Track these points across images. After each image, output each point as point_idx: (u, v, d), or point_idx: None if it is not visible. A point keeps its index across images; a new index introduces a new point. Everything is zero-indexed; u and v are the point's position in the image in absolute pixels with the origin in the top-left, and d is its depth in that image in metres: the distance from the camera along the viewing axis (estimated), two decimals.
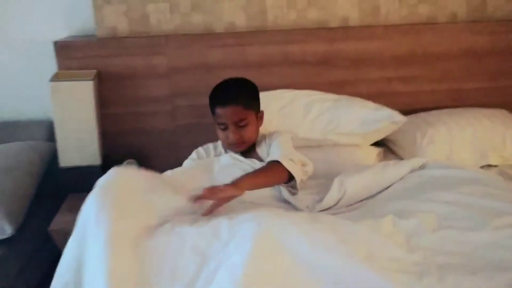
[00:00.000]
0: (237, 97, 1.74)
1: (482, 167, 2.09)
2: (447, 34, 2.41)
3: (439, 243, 1.34)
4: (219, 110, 1.73)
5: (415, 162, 1.77)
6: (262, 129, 1.90)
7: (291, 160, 1.63)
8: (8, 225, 1.95)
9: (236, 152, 1.80)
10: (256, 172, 1.60)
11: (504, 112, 2.35)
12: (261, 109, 1.86)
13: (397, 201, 1.52)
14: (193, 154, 1.93)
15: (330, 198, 1.66)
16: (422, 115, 2.32)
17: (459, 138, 2.14)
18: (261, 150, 1.80)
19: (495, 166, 2.13)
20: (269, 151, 1.76)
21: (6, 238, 1.97)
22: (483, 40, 2.42)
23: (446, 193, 1.46)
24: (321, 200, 1.66)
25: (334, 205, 1.68)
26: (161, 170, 1.84)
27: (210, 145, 1.95)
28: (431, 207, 1.42)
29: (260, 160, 1.77)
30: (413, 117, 2.30)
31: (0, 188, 2.02)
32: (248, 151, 1.82)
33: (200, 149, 1.95)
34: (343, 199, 1.68)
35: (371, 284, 1.12)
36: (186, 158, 2.06)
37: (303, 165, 1.70)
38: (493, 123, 2.22)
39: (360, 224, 1.33)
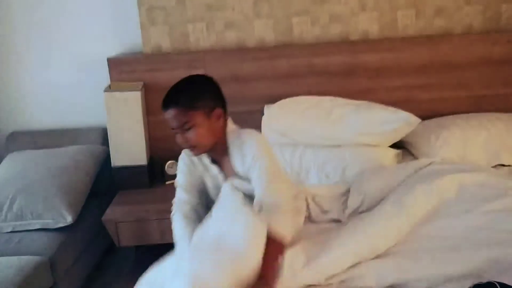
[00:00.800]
0: (176, 99, 1.57)
1: (494, 166, 2.22)
2: (463, 44, 2.57)
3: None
4: (164, 115, 1.61)
5: (422, 161, 1.93)
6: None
7: (280, 219, 1.45)
8: (68, 215, 2.28)
9: (196, 156, 1.68)
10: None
11: None
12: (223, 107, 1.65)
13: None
14: (180, 163, 1.77)
15: (352, 202, 1.78)
16: (438, 119, 2.48)
17: (472, 140, 2.27)
18: (235, 160, 1.61)
19: (508, 166, 2.25)
20: (246, 169, 1.58)
21: (66, 226, 2.29)
22: (498, 50, 2.56)
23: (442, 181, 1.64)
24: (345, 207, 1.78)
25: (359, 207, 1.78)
26: None
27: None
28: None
29: (236, 173, 1.62)
30: (430, 121, 2.47)
31: (62, 183, 2.37)
32: (220, 155, 1.66)
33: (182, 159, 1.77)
34: (365, 201, 1.78)
35: None
36: None
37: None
38: (507, 125, 2.34)
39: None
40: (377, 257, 1.49)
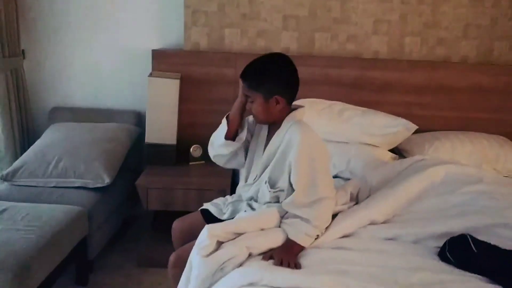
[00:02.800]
0: (246, 75, 1.81)
1: None
2: (459, 72, 2.98)
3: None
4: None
5: (416, 157, 2.30)
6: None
7: (308, 233, 1.67)
8: (106, 177, 2.61)
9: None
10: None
11: (502, 137, 2.86)
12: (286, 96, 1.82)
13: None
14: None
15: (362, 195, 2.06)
16: (432, 132, 2.86)
17: (459, 150, 2.64)
18: (275, 140, 1.82)
19: None
20: (287, 155, 1.76)
21: (102, 187, 2.62)
22: (488, 80, 2.97)
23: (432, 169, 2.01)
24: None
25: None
26: None
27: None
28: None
29: (273, 145, 1.83)
30: (425, 133, 2.85)
31: (101, 150, 2.72)
32: (274, 129, 1.86)
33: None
34: (371, 192, 2.08)
35: None
36: None
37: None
38: (491, 143, 2.73)
39: None
40: (372, 223, 1.84)
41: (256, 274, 1.43)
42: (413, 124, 2.64)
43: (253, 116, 1.89)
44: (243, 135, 1.94)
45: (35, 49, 3.12)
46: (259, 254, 1.63)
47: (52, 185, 2.60)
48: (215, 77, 2.97)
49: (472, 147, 2.68)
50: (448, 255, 1.61)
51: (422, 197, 1.91)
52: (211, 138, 2.01)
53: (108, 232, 2.73)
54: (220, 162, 2.02)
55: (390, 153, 2.67)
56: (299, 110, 1.87)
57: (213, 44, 3.00)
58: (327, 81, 2.96)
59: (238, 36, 3.00)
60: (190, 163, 2.93)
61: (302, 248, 1.67)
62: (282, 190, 1.78)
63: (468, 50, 3.02)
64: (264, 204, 1.83)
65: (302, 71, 2.92)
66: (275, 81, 1.80)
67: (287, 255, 1.60)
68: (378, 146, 2.66)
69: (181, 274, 1.71)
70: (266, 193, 1.82)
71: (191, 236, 1.83)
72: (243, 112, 1.92)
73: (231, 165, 2.03)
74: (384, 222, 1.83)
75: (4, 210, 2.26)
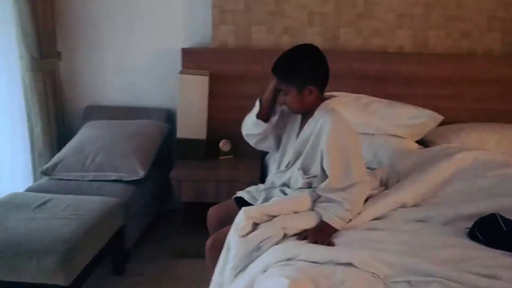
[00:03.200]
0: (278, 70, 1.89)
1: None
2: (484, 64, 3.00)
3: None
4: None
5: (443, 145, 2.34)
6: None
7: (341, 216, 1.73)
8: (141, 170, 2.72)
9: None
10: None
11: None
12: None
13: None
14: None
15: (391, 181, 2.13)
16: (458, 124, 2.88)
17: (486, 141, 2.66)
18: (308, 127, 1.90)
19: None
20: (319, 141, 1.82)
21: (136, 180, 2.73)
22: None
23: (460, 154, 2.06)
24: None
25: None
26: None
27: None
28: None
29: (306, 132, 1.90)
30: (451, 125, 2.87)
31: (135, 145, 2.82)
32: (307, 117, 1.94)
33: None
34: (400, 178, 2.16)
35: None
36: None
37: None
38: None
39: None
40: (403, 206, 1.90)
41: (293, 250, 1.50)
42: (438, 115, 2.67)
43: (288, 107, 1.97)
44: (274, 119, 2.04)
45: (70, 50, 3.25)
46: (294, 235, 1.70)
47: (89, 179, 2.72)
48: (243, 74, 3.06)
49: (498, 137, 2.70)
50: (477, 234, 1.65)
51: (451, 181, 1.96)
52: (245, 118, 2.12)
53: (143, 224, 2.84)
54: (251, 141, 2.13)
55: (416, 144, 2.71)
56: (332, 99, 1.94)
57: (240, 42, 3.09)
58: (353, 75, 3.01)
59: (264, 33, 3.08)
60: (220, 158, 3.02)
61: (335, 230, 1.73)
62: (315, 176, 1.85)
63: (492, 43, 3.04)
64: (297, 190, 1.90)
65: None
66: (306, 72, 1.86)
67: (321, 235, 1.67)
68: (404, 138, 2.70)
69: (218, 256, 1.78)
70: (299, 179, 1.89)
71: (227, 221, 1.91)
72: (276, 96, 2.01)
73: (261, 147, 2.14)
74: (414, 206, 1.88)
75: (48, 201, 2.39)
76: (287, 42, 3.07)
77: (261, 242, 1.64)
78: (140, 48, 3.24)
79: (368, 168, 2.50)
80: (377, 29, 3.04)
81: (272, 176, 2.07)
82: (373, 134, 2.67)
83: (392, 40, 3.05)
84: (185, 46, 3.16)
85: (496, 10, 2.99)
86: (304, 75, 1.86)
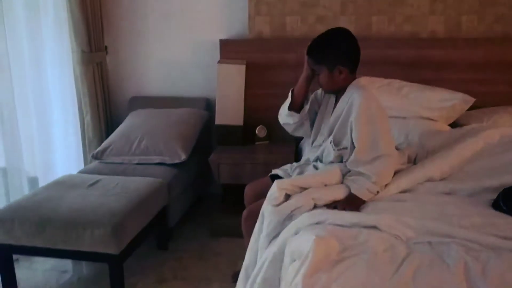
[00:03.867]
0: (311, 51, 2.02)
1: None
2: None
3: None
4: None
5: (473, 125, 2.39)
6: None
7: (369, 188, 1.83)
8: (183, 154, 2.90)
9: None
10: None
11: None
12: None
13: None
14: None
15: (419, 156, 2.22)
16: (491, 108, 2.90)
17: None
18: (340, 105, 2.01)
19: None
20: (346, 119, 1.94)
21: (178, 163, 2.91)
22: None
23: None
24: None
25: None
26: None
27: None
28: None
29: (338, 109, 2.01)
30: (483, 109, 2.89)
31: (177, 131, 3.01)
32: (337, 97, 2.08)
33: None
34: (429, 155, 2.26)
35: None
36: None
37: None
38: None
39: None
40: (429, 180, 1.97)
41: (322, 215, 1.62)
42: (470, 97, 2.71)
43: (320, 87, 2.09)
44: (307, 107, 2.16)
45: (116, 44, 3.48)
46: (323, 206, 1.82)
47: (135, 162, 2.92)
48: (278, 63, 3.19)
49: None
50: (501, 204, 1.72)
51: (477, 157, 2.02)
52: (280, 108, 2.22)
53: (185, 204, 3.03)
54: (288, 129, 2.25)
55: (448, 126, 2.75)
56: (363, 77, 2.06)
57: (275, 32, 3.22)
58: (385, 61, 3.08)
59: (299, 22, 3.20)
60: (256, 143, 3.16)
61: (363, 202, 1.84)
62: (346, 148, 1.96)
63: None
64: (328, 164, 2.02)
65: (362, 53, 3.11)
66: (336, 53, 1.98)
67: (349, 206, 1.78)
68: (436, 121, 2.75)
69: (253, 226, 1.93)
70: (331, 152, 2.01)
71: (262, 197, 2.04)
72: (308, 86, 2.13)
73: (298, 133, 2.26)
74: (441, 180, 1.96)
75: (98, 181, 2.60)
76: (320, 31, 3.10)
77: (292, 211, 1.76)
78: (180, 41, 3.43)
79: (399, 149, 2.61)
80: (409, 16, 3.10)
81: (307, 153, 2.19)
82: (404, 118, 2.73)
83: (424, 26, 3.10)
84: (223, 37, 3.31)
85: None
86: (334, 55, 1.97)
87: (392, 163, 1.91)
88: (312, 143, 2.16)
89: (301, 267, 1.35)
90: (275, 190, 1.83)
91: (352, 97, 1.95)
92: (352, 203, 1.81)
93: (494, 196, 1.79)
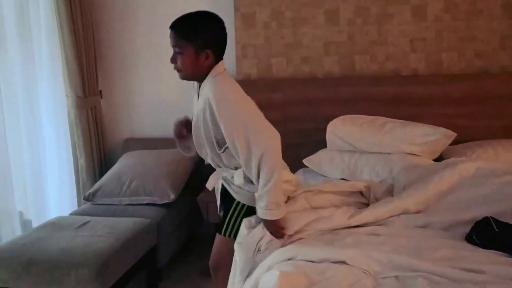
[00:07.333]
0: (178, 25, 1.79)
1: None
2: (499, 82, 3.07)
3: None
4: None
5: (452, 159, 2.43)
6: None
7: (267, 206, 1.74)
8: (172, 193, 2.95)
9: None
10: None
11: None
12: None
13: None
14: None
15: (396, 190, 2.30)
16: (475, 142, 2.93)
17: (503, 157, 2.68)
18: (203, 93, 1.84)
19: None
20: (204, 109, 1.79)
21: (168, 203, 2.96)
22: None
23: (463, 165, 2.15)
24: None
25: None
26: None
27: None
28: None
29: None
30: (467, 143, 2.93)
31: (167, 171, 3.07)
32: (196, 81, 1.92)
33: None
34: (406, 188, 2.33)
35: None
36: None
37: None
38: None
39: None
40: (405, 212, 2.00)
41: (292, 251, 1.65)
42: (452, 132, 2.76)
43: (178, 70, 1.85)
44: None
45: (110, 88, 3.61)
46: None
47: (126, 203, 2.98)
48: (265, 102, 3.22)
49: None
50: (474, 237, 1.74)
51: (453, 190, 2.05)
52: None
53: (175, 244, 3.05)
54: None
55: (432, 161, 2.79)
56: (220, 64, 1.86)
57: (262, 73, 3.33)
58: (369, 98, 3.16)
59: (284, 64, 3.31)
60: None
61: (275, 221, 1.76)
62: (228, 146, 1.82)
63: (507, 60, 3.11)
64: (236, 169, 1.91)
65: (344, 91, 3.23)
66: (208, 33, 1.79)
67: (270, 232, 1.79)
68: (420, 156, 2.79)
69: (223, 274, 1.95)
70: (220, 157, 1.90)
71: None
72: (185, 136, 2.05)
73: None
74: (416, 212, 1.99)
75: (87, 222, 2.65)
76: (305, 70, 3.28)
77: (257, 242, 1.78)
78: (172, 83, 3.54)
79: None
80: (391, 54, 3.20)
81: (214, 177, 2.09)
82: (389, 153, 2.78)
83: (406, 63, 3.19)
84: None
85: (508, 29, 3.08)
86: (207, 37, 1.79)
87: (272, 154, 1.74)
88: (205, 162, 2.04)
89: None
90: (242, 227, 1.86)
91: (209, 93, 1.78)
92: (268, 228, 1.80)
93: (468, 229, 1.81)
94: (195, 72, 1.84)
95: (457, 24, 3.12)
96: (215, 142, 1.87)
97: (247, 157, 1.75)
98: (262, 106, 3.30)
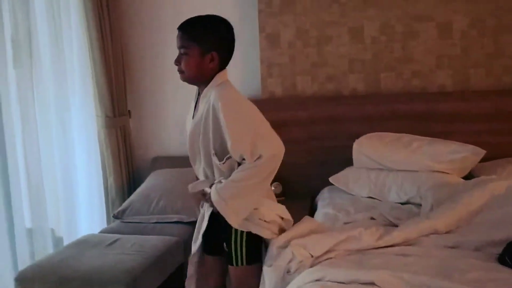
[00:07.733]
0: (186, 26, 1.79)
1: None
2: None
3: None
4: None
5: (482, 177, 2.39)
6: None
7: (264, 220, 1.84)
8: (199, 211, 2.97)
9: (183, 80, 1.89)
10: None
11: None
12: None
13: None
14: None
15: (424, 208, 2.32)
16: (506, 158, 2.89)
17: None
18: (201, 102, 1.86)
19: None
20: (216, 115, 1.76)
21: (195, 220, 2.97)
22: None
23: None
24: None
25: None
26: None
27: None
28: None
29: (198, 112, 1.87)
30: (498, 160, 2.89)
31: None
32: (202, 92, 1.88)
33: None
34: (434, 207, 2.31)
35: None
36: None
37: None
38: None
39: None
40: (435, 233, 1.98)
41: (320, 272, 1.65)
42: (480, 149, 2.72)
43: (180, 71, 1.85)
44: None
45: (138, 107, 3.69)
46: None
47: (154, 221, 3.02)
48: (290, 120, 3.29)
49: None
50: (507, 259, 1.70)
51: (484, 209, 2.02)
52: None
53: None
54: None
55: (461, 179, 2.75)
56: (225, 71, 1.86)
57: (287, 91, 3.35)
58: (395, 116, 3.14)
59: (309, 82, 3.33)
60: None
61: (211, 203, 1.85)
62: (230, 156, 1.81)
63: None
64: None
65: (370, 109, 3.22)
66: (216, 36, 1.80)
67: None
68: (449, 173, 2.75)
69: None
70: (219, 171, 1.88)
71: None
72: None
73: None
74: (446, 232, 1.96)
75: (117, 240, 2.70)
76: (330, 88, 3.30)
77: (288, 263, 1.79)
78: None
79: (411, 203, 2.60)
80: (417, 71, 3.18)
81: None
82: (416, 171, 2.75)
83: (432, 80, 3.17)
84: None
85: None
86: (213, 37, 1.80)
87: (272, 165, 1.83)
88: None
89: None
90: (272, 249, 1.87)
91: (214, 101, 1.78)
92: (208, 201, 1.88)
93: (500, 250, 1.78)
94: (197, 74, 1.83)
95: (484, 40, 3.10)
96: (212, 153, 1.86)
97: (250, 161, 1.77)
98: (287, 124, 3.37)
